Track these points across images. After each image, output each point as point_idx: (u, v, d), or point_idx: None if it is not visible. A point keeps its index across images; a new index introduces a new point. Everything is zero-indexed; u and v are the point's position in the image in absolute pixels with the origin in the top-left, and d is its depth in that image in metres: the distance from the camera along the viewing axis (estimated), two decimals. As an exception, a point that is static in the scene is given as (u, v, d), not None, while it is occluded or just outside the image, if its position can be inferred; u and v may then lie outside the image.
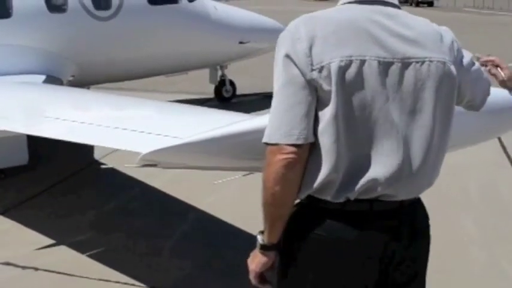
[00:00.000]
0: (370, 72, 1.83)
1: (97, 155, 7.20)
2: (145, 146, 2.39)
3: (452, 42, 1.98)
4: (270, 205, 1.89)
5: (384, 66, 1.85)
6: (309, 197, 1.92)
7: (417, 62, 1.87)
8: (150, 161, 2.24)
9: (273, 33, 10.19)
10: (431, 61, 1.89)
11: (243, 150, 2.07)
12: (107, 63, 7.93)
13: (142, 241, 4.99)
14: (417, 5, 52.42)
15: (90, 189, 6.32)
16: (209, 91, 10.74)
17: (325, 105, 1.83)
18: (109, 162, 6.90)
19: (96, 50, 7.73)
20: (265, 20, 10.17)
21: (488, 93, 2.16)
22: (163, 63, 8.66)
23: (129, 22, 7.89)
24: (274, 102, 1.86)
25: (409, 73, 1.87)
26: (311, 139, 1.84)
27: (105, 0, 7.72)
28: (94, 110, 3.97)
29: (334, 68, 1.80)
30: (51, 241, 4.99)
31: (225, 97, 10.42)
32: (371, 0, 1.94)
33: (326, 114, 1.83)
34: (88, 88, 7.98)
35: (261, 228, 1.96)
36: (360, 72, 1.82)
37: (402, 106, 1.87)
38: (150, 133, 2.65)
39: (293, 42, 1.85)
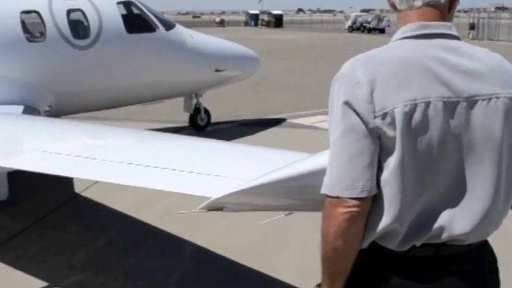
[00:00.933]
0: (436, 114, 1.72)
1: (78, 188, 6.97)
2: (208, 189, 2.27)
3: None
4: (331, 259, 1.79)
5: (450, 107, 1.73)
6: (372, 243, 1.82)
7: (483, 100, 1.76)
8: (218, 205, 2.11)
9: (247, 61, 10.27)
10: (497, 97, 1.77)
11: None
12: (84, 92, 7.73)
13: (141, 282, 4.79)
14: (369, 31, 53.55)
15: (75, 225, 6.08)
16: (182, 119, 10.63)
17: (389, 153, 1.72)
18: (91, 196, 6.73)
19: (73, 79, 7.53)
20: (240, 48, 10.18)
21: None
22: (140, 92, 8.51)
23: (107, 51, 7.72)
24: (334, 151, 1.75)
25: (476, 112, 1.76)
26: (374, 191, 1.73)
27: (83, 29, 7.56)
28: (136, 149, 3.78)
29: (398, 114, 1.69)
30: (42, 283, 4.74)
31: (200, 125, 10.32)
32: (430, 34, 1.81)
33: (390, 163, 1.72)
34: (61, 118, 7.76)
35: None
36: (425, 116, 1.71)
37: (470, 147, 1.77)
38: (209, 175, 2.49)
39: (352, 87, 1.74)
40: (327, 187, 1.75)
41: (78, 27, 7.55)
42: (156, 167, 2.70)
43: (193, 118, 10.33)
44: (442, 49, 1.78)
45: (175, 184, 2.65)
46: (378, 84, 1.72)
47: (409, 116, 1.69)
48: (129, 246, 5.48)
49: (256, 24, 65.18)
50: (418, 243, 1.77)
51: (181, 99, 10.24)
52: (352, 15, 56.75)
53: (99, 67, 7.71)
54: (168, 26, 8.76)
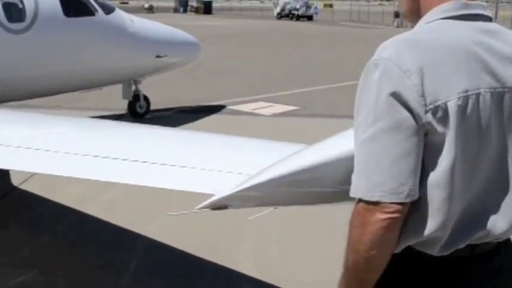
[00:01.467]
0: (484, 107, 1.56)
1: (15, 181, 6.57)
2: (211, 185, 2.07)
3: None
4: (362, 271, 1.59)
5: (497, 99, 1.58)
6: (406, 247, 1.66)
7: None
8: (222, 203, 1.91)
9: (188, 47, 10.03)
10: None
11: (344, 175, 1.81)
12: (19, 79, 7.29)
13: (92, 280, 4.52)
14: (297, 19, 53.83)
15: (17, 221, 5.71)
16: (118, 106, 10.27)
17: (437, 152, 1.53)
18: (31, 189, 6.35)
19: (8, 64, 7.08)
20: (181, 33, 9.96)
21: None
22: (79, 78, 8.14)
23: (44, 35, 7.32)
24: (372, 150, 1.53)
25: None
26: (418, 195, 1.55)
27: (18, 12, 7.11)
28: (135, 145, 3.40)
29: (452, 107, 1.51)
30: (-14, 284, 4.41)
31: (139, 113, 9.99)
32: (470, 14, 1.63)
33: (441, 164, 1.53)
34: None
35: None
36: (476, 109, 1.54)
37: None
38: (211, 170, 2.26)
39: (399, 75, 1.51)
40: (362, 191, 1.54)
41: (13, 9, 7.10)
42: (145, 162, 2.47)
43: (132, 105, 9.99)
44: (484, 33, 1.61)
45: (167, 180, 2.41)
46: (428, 73, 1.51)
47: (462, 109, 1.52)
48: (76, 243, 5.18)
49: (185, 11, 64.42)
50: (460, 247, 1.63)
51: (118, 86, 9.88)
52: (281, 2, 56.68)
53: (36, 52, 7.31)
54: (108, 9, 8.40)
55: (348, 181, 1.61)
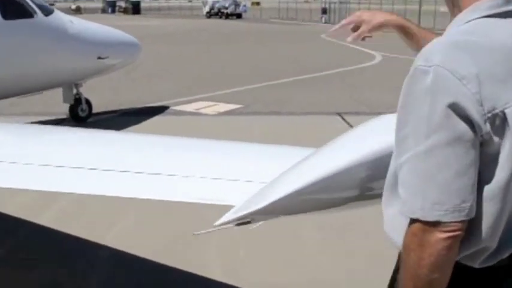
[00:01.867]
0: None
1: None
2: (221, 194, 1.94)
3: None
4: None
5: None
6: None
7: None
8: (247, 218, 1.80)
9: (129, 48, 9.81)
10: None
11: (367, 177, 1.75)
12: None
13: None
14: (227, 17, 53.83)
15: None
16: (57, 111, 9.94)
17: (494, 164, 1.44)
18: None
19: None
20: (121, 34, 9.75)
21: None
22: (19, 83, 7.80)
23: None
24: (427, 165, 1.41)
25: None
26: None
27: (-47, 14, 6.73)
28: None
29: (510, 114, 1.41)
30: None
31: (81, 116, 9.68)
32: None
33: (497, 176, 1.44)
34: None
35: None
36: None
37: None
38: (234, 180, 2.10)
39: (455, 84, 1.39)
40: (419, 211, 1.42)
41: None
42: (159, 174, 2.29)
43: (73, 109, 9.66)
44: None
45: (170, 192, 2.25)
46: (483, 80, 1.40)
47: None
48: (33, 255, 4.93)
49: (113, 11, 63.35)
50: (505, 257, 1.56)
51: (58, 90, 9.53)
52: (210, 1, 56.55)
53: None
54: (47, 11, 8.09)
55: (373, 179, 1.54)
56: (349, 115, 10.34)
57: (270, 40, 27.92)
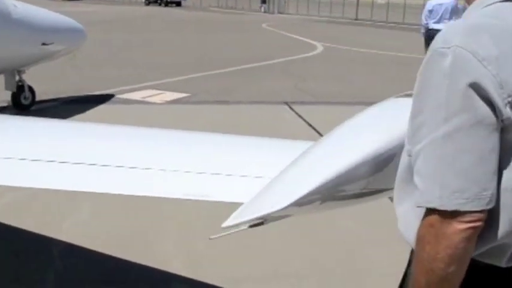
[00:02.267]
0: None
1: None
2: (228, 191, 1.83)
3: None
4: None
5: None
6: None
7: None
8: (262, 218, 1.68)
9: (74, 34, 9.51)
10: None
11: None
12: None
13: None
14: (166, 4, 53.12)
15: None
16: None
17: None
18: None
19: None
20: (67, 19, 9.43)
21: None
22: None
23: None
24: (445, 151, 1.34)
25: None
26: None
27: None
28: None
29: None
30: None
31: (24, 104, 9.32)
32: None
33: None
34: None
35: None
36: None
37: None
38: (245, 176, 1.96)
39: (476, 65, 1.33)
40: (437, 200, 1.34)
41: None
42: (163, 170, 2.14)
43: (16, 97, 9.29)
44: None
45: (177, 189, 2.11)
46: (503, 62, 1.34)
47: None
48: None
49: (53, -4, 61.70)
50: None
51: (0, 77, 9.17)
52: (149, -12, 55.69)
53: None
54: (-13, -6, 7.71)
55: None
56: (296, 104, 10.36)
57: (213, 29, 27.73)
